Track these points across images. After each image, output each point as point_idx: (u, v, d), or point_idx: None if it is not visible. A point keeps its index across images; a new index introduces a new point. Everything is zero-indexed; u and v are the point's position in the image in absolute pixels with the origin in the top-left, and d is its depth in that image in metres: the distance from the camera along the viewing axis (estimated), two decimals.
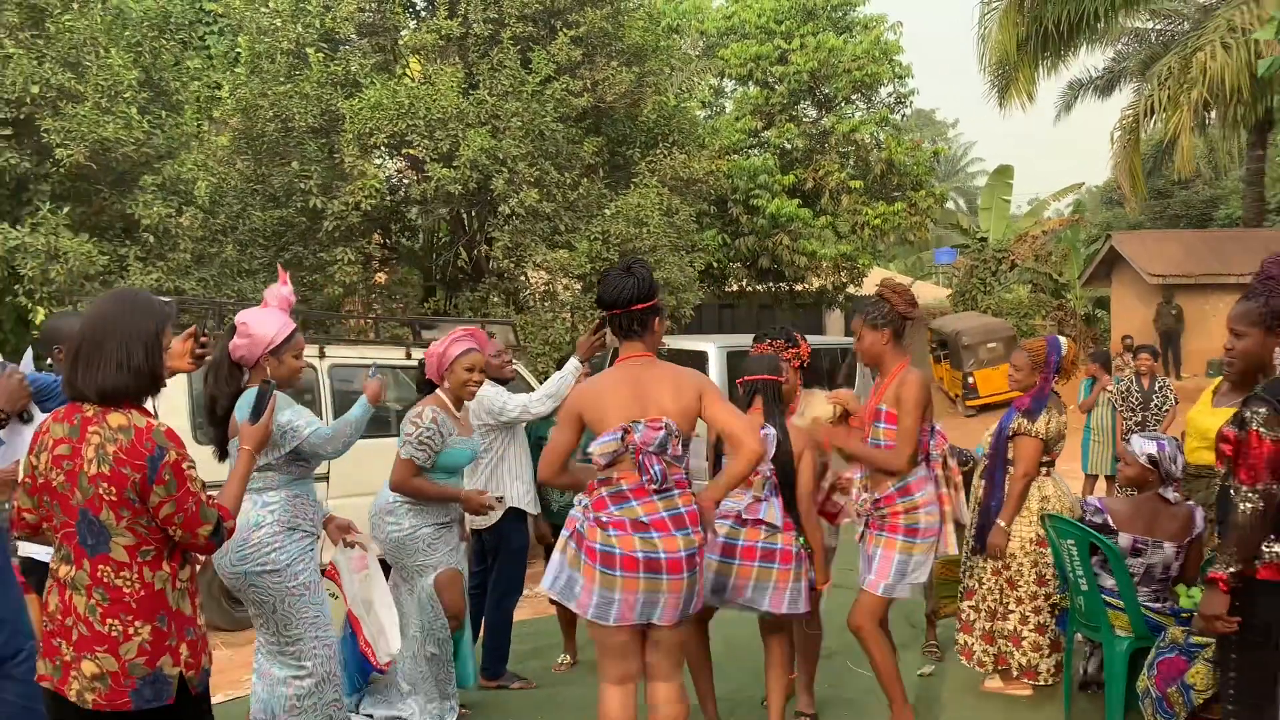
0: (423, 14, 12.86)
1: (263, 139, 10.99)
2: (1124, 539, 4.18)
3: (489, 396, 4.84)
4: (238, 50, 12.27)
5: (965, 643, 4.75)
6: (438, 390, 4.24)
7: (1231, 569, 2.85)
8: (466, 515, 5.06)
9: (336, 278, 10.60)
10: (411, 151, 10.97)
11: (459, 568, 4.28)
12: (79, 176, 8.70)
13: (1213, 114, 18.52)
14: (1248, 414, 2.87)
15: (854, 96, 19.05)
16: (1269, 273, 3.41)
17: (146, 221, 8.58)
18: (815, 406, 4.38)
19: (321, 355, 7.24)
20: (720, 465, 3.95)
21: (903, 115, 19.94)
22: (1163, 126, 14.09)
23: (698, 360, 10.19)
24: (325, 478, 7.08)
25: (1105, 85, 22.50)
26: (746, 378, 4.10)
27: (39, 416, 3.13)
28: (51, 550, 2.52)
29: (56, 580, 2.43)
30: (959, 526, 4.38)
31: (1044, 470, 4.66)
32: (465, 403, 4.36)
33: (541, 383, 6.01)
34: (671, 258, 12.08)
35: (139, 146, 8.58)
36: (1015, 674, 4.64)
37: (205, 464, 3.10)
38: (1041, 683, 4.61)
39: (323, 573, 3.76)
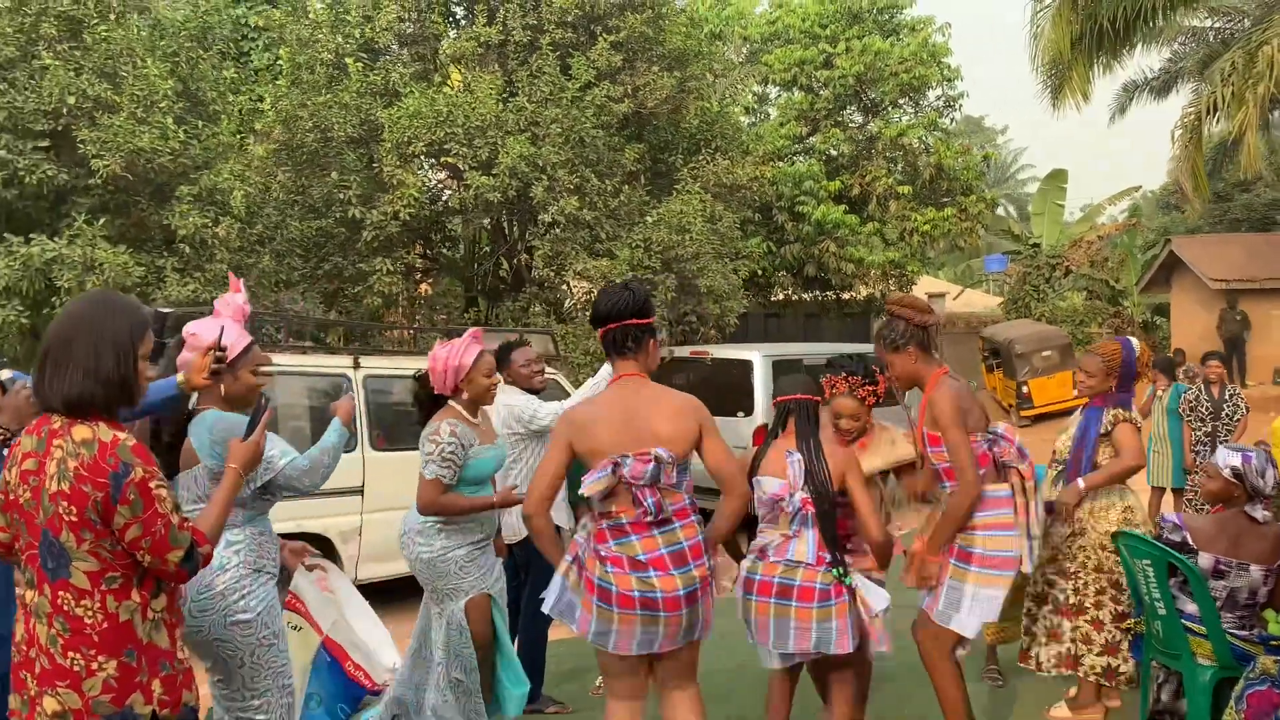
0: (462, 22, 12.79)
1: (302, 149, 10.98)
2: (1205, 559, 3.83)
3: (520, 405, 4.66)
4: (279, 63, 12.30)
5: (1038, 655, 4.45)
6: (450, 403, 3.99)
7: None
8: (502, 529, 4.85)
9: (376, 288, 10.53)
10: (450, 160, 10.88)
11: (493, 591, 3.99)
12: (117, 188, 8.68)
13: (1275, 114, 17.88)
14: None
15: (901, 100, 18.68)
16: None
17: (183, 232, 8.53)
18: (893, 447, 4.04)
19: (356, 366, 7.12)
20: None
21: (952, 119, 19.51)
22: (1226, 124, 13.57)
23: (742, 370, 9.95)
24: (360, 491, 6.96)
25: (1161, 86, 21.83)
26: (780, 398, 3.79)
27: None
28: None
29: (23, 606, 2.24)
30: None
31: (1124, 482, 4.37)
32: (483, 408, 4.10)
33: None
34: (715, 265, 11.83)
35: (175, 157, 8.54)
36: (1085, 675, 4.31)
37: None
38: (1124, 685, 4.27)
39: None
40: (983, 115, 45.99)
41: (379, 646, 3.59)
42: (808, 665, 3.92)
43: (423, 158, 10.99)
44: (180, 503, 3.08)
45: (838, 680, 3.81)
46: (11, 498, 2.25)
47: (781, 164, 17.46)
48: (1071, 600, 4.34)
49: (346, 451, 6.84)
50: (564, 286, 11.89)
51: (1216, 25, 20.52)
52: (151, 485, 2.19)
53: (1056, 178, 23.72)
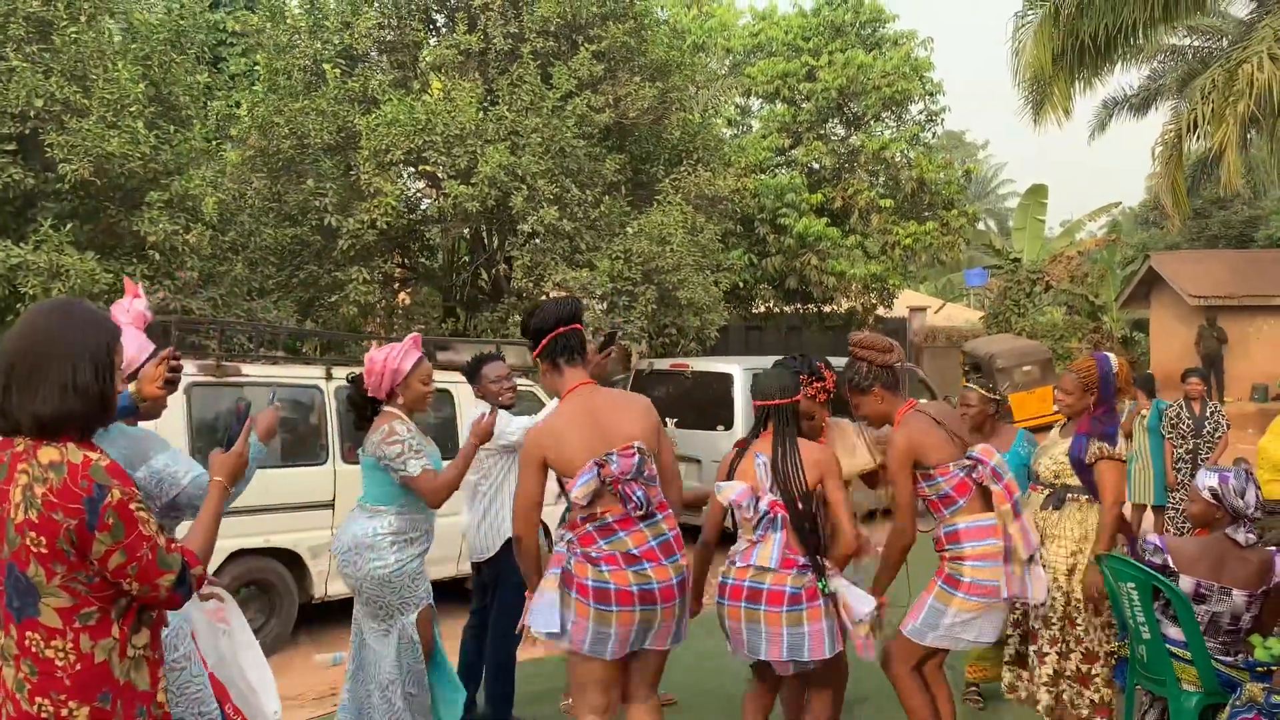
0: (442, 30, 12.68)
1: (278, 156, 10.83)
2: (1186, 583, 3.75)
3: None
4: (257, 69, 12.15)
5: (1032, 691, 4.34)
6: (386, 408, 3.90)
7: None
8: (469, 549, 4.74)
9: (352, 297, 10.38)
10: (429, 168, 10.75)
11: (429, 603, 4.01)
12: (85, 193, 8.50)
13: (1253, 133, 17.98)
14: None
15: (884, 114, 18.68)
16: None
17: (153, 239, 8.35)
18: (854, 454, 3.98)
19: (328, 377, 7.00)
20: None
21: (934, 133, 19.54)
22: (1206, 142, 13.61)
23: (723, 383, 9.85)
24: (330, 505, 6.82)
25: (1141, 104, 21.96)
26: (759, 401, 3.71)
27: None
28: None
29: None
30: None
31: (1088, 499, 4.29)
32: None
33: None
34: (695, 277, 11.74)
35: (146, 162, 8.36)
36: (1086, 714, 4.23)
37: None
38: None
39: None
40: (964, 130, 46.29)
41: (262, 691, 3.33)
42: (782, 686, 3.85)
43: (401, 166, 10.85)
44: None
45: (816, 695, 3.74)
46: None
47: (764, 176, 17.41)
48: (1080, 646, 4.25)
49: (316, 465, 6.77)
50: (543, 298, 11.76)
51: (1196, 44, 20.67)
52: (132, 507, 1.99)
53: (1037, 193, 23.82)
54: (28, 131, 8.16)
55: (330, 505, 6.80)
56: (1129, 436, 8.65)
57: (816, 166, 18.37)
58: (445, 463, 4.03)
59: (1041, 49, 13.97)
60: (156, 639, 2.14)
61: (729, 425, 9.54)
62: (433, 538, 4.04)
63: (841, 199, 17.78)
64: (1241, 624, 3.75)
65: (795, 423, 3.66)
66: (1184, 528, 7.54)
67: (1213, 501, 3.86)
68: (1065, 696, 4.26)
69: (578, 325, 3.38)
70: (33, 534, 1.94)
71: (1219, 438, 8.10)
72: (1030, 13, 14.33)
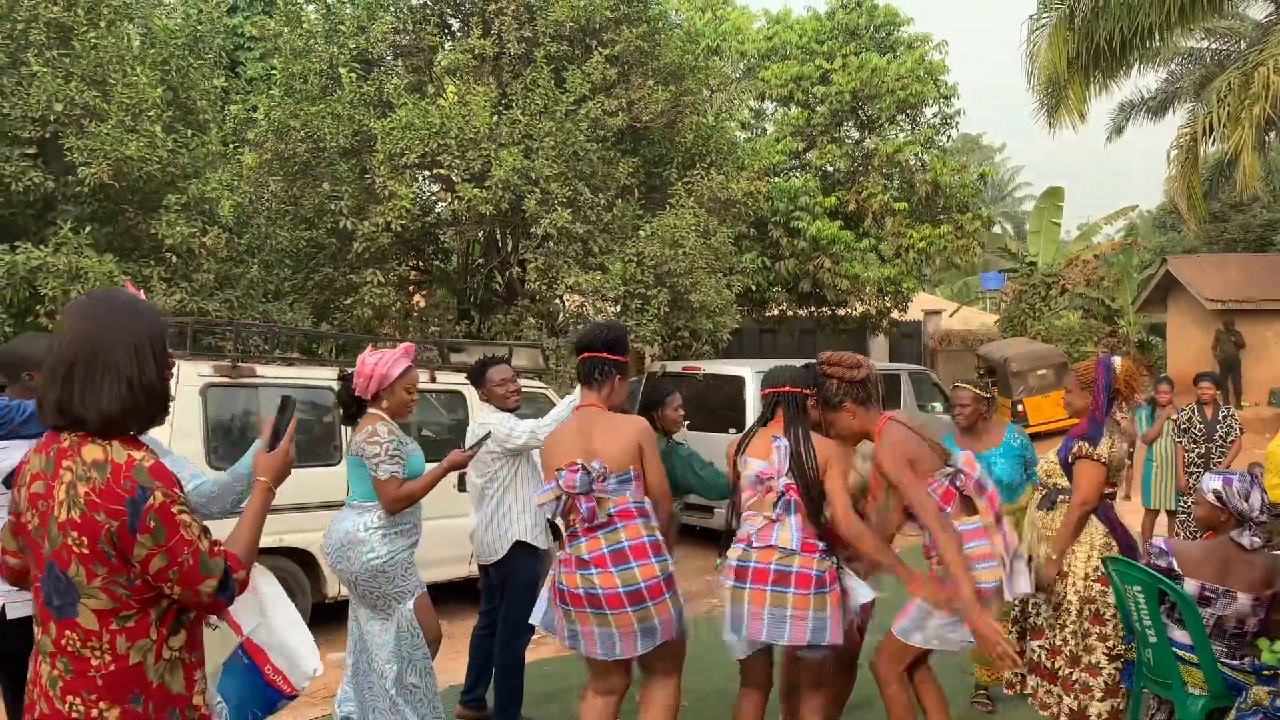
0: (457, 34, 12.76)
1: (294, 159, 10.92)
2: (1190, 585, 3.76)
3: (494, 424, 4.60)
4: (274, 73, 12.25)
5: (1034, 685, 4.35)
6: (370, 410, 3.98)
7: None
8: (476, 551, 4.78)
9: (366, 300, 10.45)
10: (443, 172, 10.82)
11: (424, 591, 4.09)
12: (104, 196, 8.61)
13: (1271, 136, 17.88)
14: None
15: (898, 117, 18.67)
16: None
17: (170, 241, 8.45)
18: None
19: (341, 378, 7.04)
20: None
21: (948, 136, 19.51)
22: (1222, 145, 13.55)
23: (734, 385, 9.87)
24: (342, 505, 6.88)
25: (1158, 107, 21.88)
26: (768, 389, 3.77)
27: None
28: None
29: (35, 642, 2.02)
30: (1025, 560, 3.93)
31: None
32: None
33: None
34: (708, 280, 11.77)
35: (163, 166, 8.46)
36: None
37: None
38: None
39: None
40: (981, 133, 46.13)
41: (301, 650, 3.43)
42: (782, 679, 3.87)
43: (416, 169, 10.92)
44: None
45: (810, 689, 3.76)
46: (20, 522, 2.03)
47: (777, 179, 17.43)
48: (1068, 647, 4.26)
49: (330, 465, 6.82)
50: (556, 300, 11.81)
51: (1213, 47, 20.56)
52: (174, 510, 1.94)
53: (1053, 196, 23.73)
54: (48, 135, 8.27)
55: (343, 505, 6.85)
56: (1151, 442, 8.64)
57: (830, 170, 18.37)
58: (431, 466, 4.09)
59: (1056, 52, 13.94)
60: (194, 641, 2.09)
61: (741, 428, 9.55)
62: (421, 530, 4.11)
63: (855, 202, 17.77)
64: (1247, 627, 3.75)
65: (805, 412, 3.74)
66: (1196, 532, 7.52)
67: (1217, 504, 3.87)
68: (1066, 698, 4.26)
69: (602, 354, 3.69)
70: (74, 533, 1.90)
71: (1231, 442, 8.07)
72: (1045, 16, 14.30)
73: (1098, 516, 4.26)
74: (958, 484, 3.70)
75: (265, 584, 3.39)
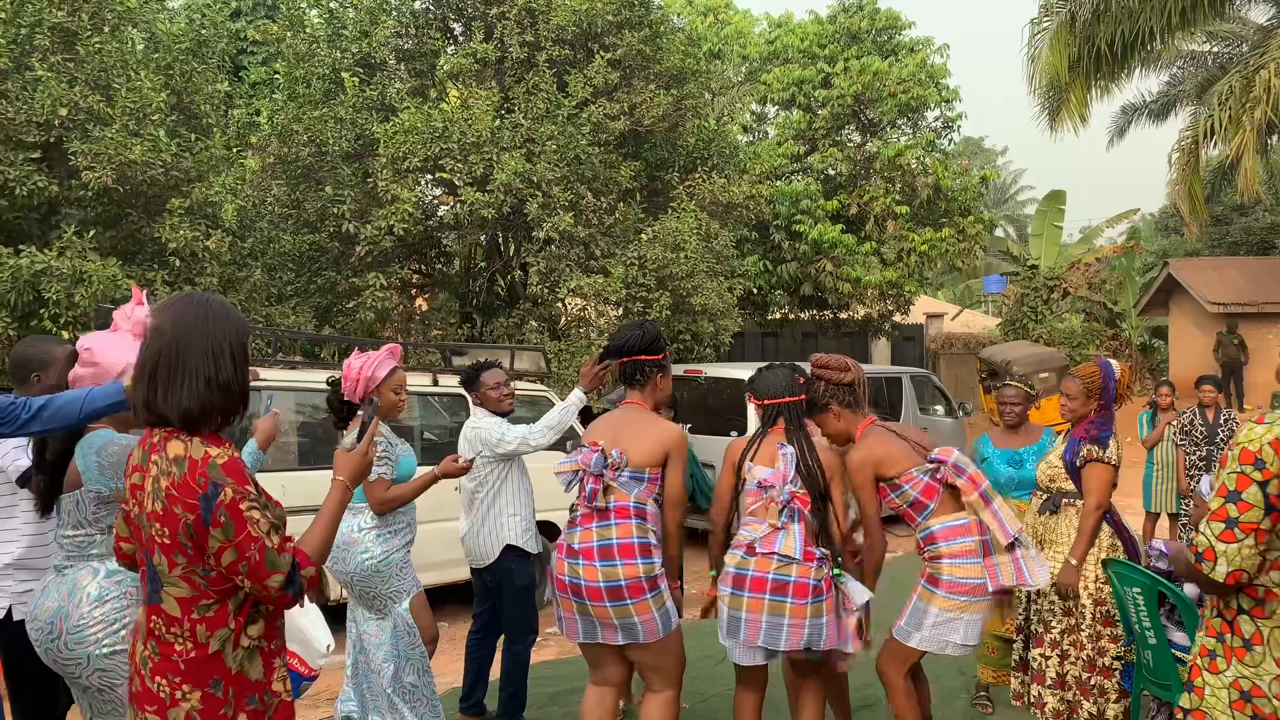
0: (460, 38, 12.79)
1: (297, 163, 10.95)
2: (1190, 588, 3.76)
3: (486, 427, 4.61)
4: (277, 77, 12.29)
5: (1038, 694, 4.33)
6: (360, 412, 4.01)
7: None
8: (469, 555, 4.80)
9: (369, 303, 10.47)
10: (445, 176, 10.85)
11: (420, 590, 4.13)
12: (108, 200, 8.64)
13: (1273, 139, 17.88)
14: None
15: (900, 121, 18.68)
16: None
17: (173, 245, 8.47)
18: None
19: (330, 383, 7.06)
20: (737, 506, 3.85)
21: (950, 140, 19.51)
22: (1224, 148, 13.56)
23: (735, 388, 9.89)
24: None
25: (1160, 110, 21.89)
26: (767, 400, 3.79)
27: None
28: None
29: (136, 622, 2.20)
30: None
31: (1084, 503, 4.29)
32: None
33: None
34: (709, 283, 11.79)
35: (167, 170, 8.49)
36: None
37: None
38: None
39: None
40: (983, 136, 46.16)
41: (312, 631, 3.50)
42: (785, 679, 3.90)
43: (418, 173, 10.95)
44: (61, 525, 2.95)
45: (811, 686, 3.79)
46: (126, 510, 2.19)
47: (779, 183, 17.43)
48: (1084, 651, 4.24)
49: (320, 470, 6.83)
50: (558, 303, 11.84)
51: (1215, 50, 20.57)
52: (243, 507, 2.01)
53: (1055, 199, 23.73)
54: (52, 140, 8.30)
55: None
56: (1152, 447, 8.64)
57: (832, 173, 18.38)
58: (423, 469, 4.10)
59: (1057, 56, 13.96)
60: (272, 630, 2.15)
61: (742, 431, 9.57)
62: (415, 530, 4.13)
63: (857, 205, 17.78)
64: None
65: (803, 420, 3.78)
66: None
67: None
68: (1070, 702, 4.26)
69: (641, 356, 3.83)
70: (157, 525, 2.02)
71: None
72: (1046, 20, 14.31)
73: (1104, 519, 4.26)
74: (938, 477, 3.73)
75: None
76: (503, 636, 4.78)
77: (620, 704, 4.02)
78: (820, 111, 18.37)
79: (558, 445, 6.87)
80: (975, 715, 4.93)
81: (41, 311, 7.92)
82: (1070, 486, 4.33)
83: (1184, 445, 8.25)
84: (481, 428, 4.63)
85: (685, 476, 3.77)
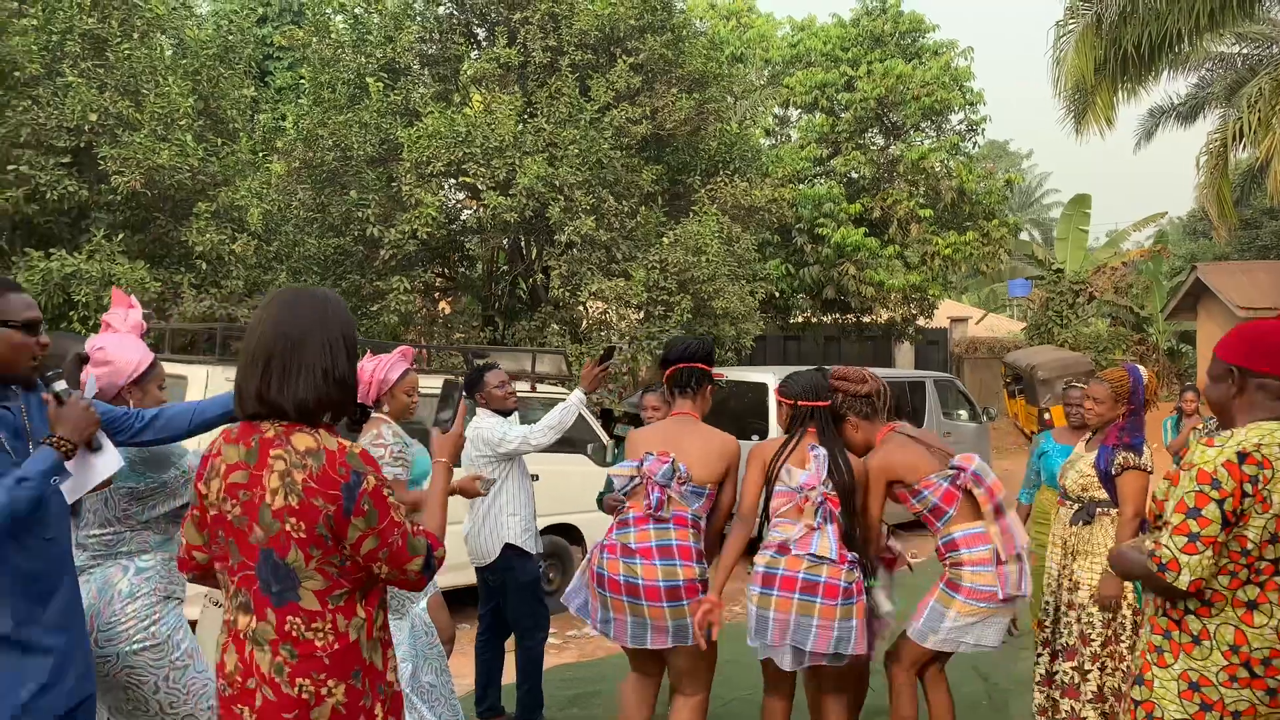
0: (483, 43, 12.86)
1: (322, 167, 11.04)
2: None
3: (488, 428, 4.65)
4: (302, 82, 12.41)
5: (1070, 708, 4.25)
6: (375, 415, 4.03)
7: None
8: (470, 554, 4.82)
9: (393, 306, 10.55)
10: (468, 180, 10.91)
11: (437, 590, 4.14)
12: (136, 204, 8.77)
13: None
14: None
15: (923, 124, 18.60)
16: None
17: (200, 249, 8.58)
18: None
19: None
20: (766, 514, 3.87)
21: (974, 143, 19.41)
22: (1253, 151, 13.42)
23: (757, 392, 9.88)
24: None
25: (1188, 112, 21.66)
26: (803, 401, 3.80)
27: (107, 446, 2.73)
28: None
29: (234, 634, 2.05)
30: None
31: (1119, 512, 4.24)
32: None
33: (596, 415, 5.81)
34: (731, 287, 11.78)
35: (194, 174, 8.61)
36: None
37: None
38: None
39: None
40: (1008, 139, 45.86)
41: None
42: (806, 684, 3.89)
43: (441, 177, 11.01)
44: (86, 525, 2.99)
45: (833, 694, 3.79)
46: (215, 514, 2.08)
47: (801, 186, 17.40)
48: (1124, 663, 4.19)
49: None
50: (580, 307, 11.87)
51: (1244, 51, 20.34)
52: (385, 493, 2.02)
53: (1080, 203, 23.55)
54: (83, 145, 8.44)
55: None
56: (1176, 453, 8.55)
57: (855, 176, 18.33)
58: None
59: (1083, 58, 13.84)
60: (386, 620, 2.17)
61: (764, 435, 9.56)
62: None
63: (880, 209, 17.71)
64: None
65: (834, 423, 3.82)
66: None
67: None
68: (1108, 715, 4.19)
69: (696, 364, 3.88)
70: (293, 519, 1.97)
71: None
72: (1071, 23, 14.20)
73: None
74: (958, 484, 3.73)
75: None
76: (512, 636, 4.81)
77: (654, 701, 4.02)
78: (843, 115, 18.33)
79: (570, 446, 6.89)
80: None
81: (71, 314, 8.05)
82: (1103, 495, 4.27)
83: None
84: (483, 428, 4.67)
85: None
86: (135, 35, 8.83)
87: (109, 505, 2.99)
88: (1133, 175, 68.89)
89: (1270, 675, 2.30)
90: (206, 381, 5.90)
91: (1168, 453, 8.58)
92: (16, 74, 8.22)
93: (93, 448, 2.67)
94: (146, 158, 8.21)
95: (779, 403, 3.93)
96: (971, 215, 18.31)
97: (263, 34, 14.92)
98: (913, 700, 3.81)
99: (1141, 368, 4.37)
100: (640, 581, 3.55)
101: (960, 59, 18.61)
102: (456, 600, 6.74)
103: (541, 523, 5.15)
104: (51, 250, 8.05)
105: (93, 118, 8.26)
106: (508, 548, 4.67)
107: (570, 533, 7.58)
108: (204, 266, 8.78)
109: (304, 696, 1.98)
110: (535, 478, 5.03)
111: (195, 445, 3.34)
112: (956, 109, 18.43)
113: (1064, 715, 4.28)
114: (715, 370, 4.07)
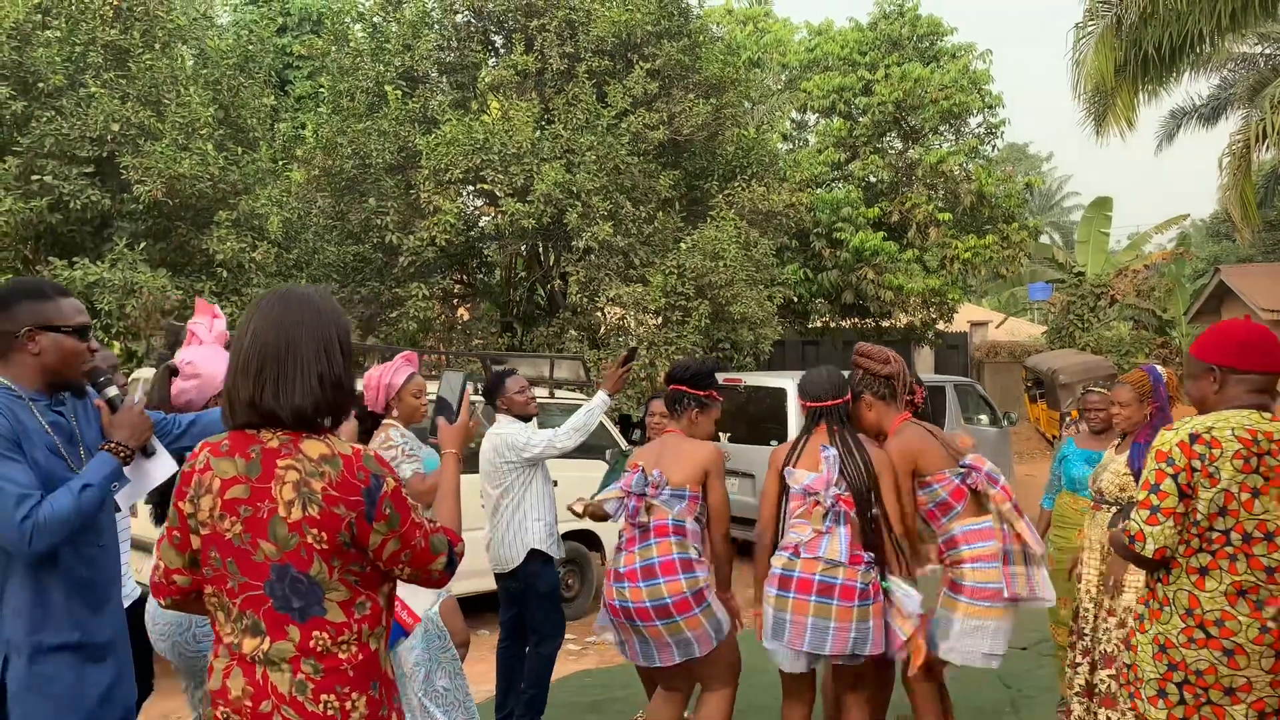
0: (501, 51, 12.92)
1: (341, 175, 11.11)
2: None
3: (511, 433, 4.65)
4: (321, 91, 12.50)
5: (1108, 719, 4.21)
6: (385, 420, 4.09)
7: None
8: (491, 562, 4.82)
9: (412, 313, 10.59)
10: (486, 187, 10.96)
11: (451, 595, 4.15)
12: (158, 213, 8.84)
13: None
14: None
15: (941, 127, 18.50)
16: None
17: (221, 257, 8.65)
18: None
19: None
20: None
21: (993, 146, 19.29)
22: (1276, 152, 13.28)
23: (776, 397, 9.84)
24: None
25: (1210, 113, 21.48)
26: (811, 402, 3.77)
27: (160, 450, 2.73)
28: None
29: (238, 658, 1.93)
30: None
31: None
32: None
33: (615, 421, 5.81)
34: (749, 292, 11.76)
35: (215, 183, 8.68)
36: None
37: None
38: None
39: None
40: (1027, 142, 45.63)
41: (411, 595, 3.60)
42: (827, 683, 3.88)
43: (460, 184, 11.06)
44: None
45: (854, 693, 3.76)
46: (206, 534, 1.95)
47: (819, 190, 17.35)
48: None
49: None
50: (598, 313, 11.88)
51: (1267, 52, 20.17)
52: (404, 494, 1.97)
53: (1101, 205, 23.37)
54: (105, 154, 8.52)
55: None
56: None
57: (873, 180, 18.25)
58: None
59: (1103, 60, 13.73)
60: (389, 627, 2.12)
61: (782, 439, 9.52)
62: None
63: (899, 213, 17.63)
64: None
65: (849, 421, 3.77)
66: None
67: None
68: None
69: (683, 387, 4.02)
70: (314, 530, 1.88)
71: None
72: (1091, 24, 14.10)
73: None
74: (969, 482, 3.71)
75: None
76: (530, 640, 4.80)
77: (685, 712, 4.07)
78: (861, 119, 18.27)
79: (588, 452, 6.88)
80: None
81: (94, 322, 8.11)
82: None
83: None
84: (506, 433, 4.67)
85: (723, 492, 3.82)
86: (157, 46, 8.92)
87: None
88: (1154, 177, 68.44)
89: (1225, 636, 2.51)
90: None
91: None
92: (40, 85, 8.33)
93: (147, 452, 2.68)
94: (168, 167, 8.29)
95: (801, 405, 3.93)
96: (991, 219, 18.21)
97: (282, 43, 15.03)
98: (937, 702, 3.78)
99: (1159, 366, 4.36)
100: (631, 604, 3.72)
101: (979, 62, 18.52)
102: (476, 607, 6.75)
103: (560, 529, 5.14)
104: (74, 259, 8.13)
105: (115, 128, 8.34)
106: (532, 553, 4.67)
107: (589, 539, 7.58)
108: (225, 274, 8.86)
109: (329, 713, 1.90)
110: (554, 483, 5.04)
111: None
112: (975, 112, 18.33)
113: None
114: (733, 376, 4.13)
